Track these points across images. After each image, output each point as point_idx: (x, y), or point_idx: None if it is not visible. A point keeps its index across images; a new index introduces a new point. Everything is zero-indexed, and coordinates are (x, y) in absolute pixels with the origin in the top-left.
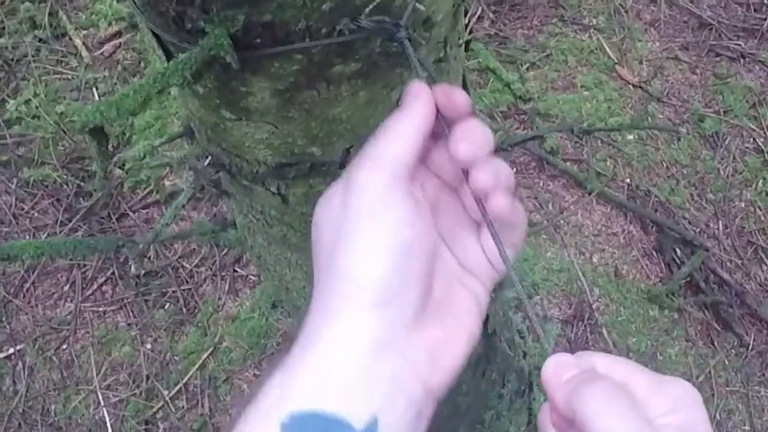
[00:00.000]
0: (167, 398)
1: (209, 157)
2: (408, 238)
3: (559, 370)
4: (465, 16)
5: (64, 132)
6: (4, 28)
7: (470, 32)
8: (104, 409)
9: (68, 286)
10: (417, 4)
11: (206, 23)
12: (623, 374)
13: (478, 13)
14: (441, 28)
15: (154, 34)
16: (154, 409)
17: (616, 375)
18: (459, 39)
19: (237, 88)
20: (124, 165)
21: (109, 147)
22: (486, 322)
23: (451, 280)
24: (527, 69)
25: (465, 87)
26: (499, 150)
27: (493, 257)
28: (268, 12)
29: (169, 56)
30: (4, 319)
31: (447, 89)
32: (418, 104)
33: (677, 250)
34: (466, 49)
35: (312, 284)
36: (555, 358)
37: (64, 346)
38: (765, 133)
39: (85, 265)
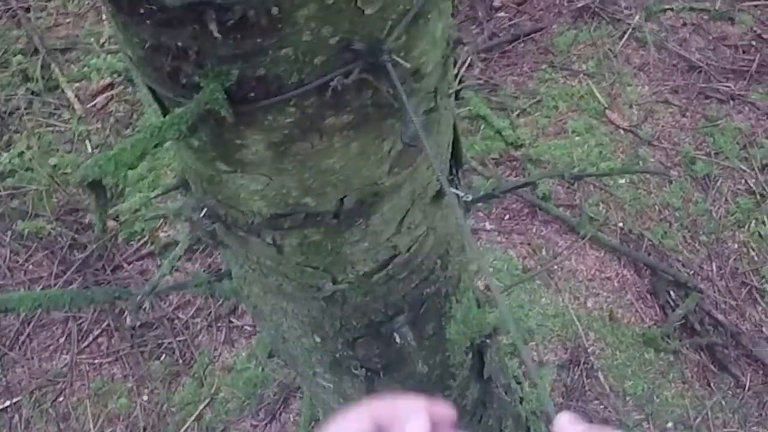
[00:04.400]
0: None
1: (204, 209)
2: None
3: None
4: (454, 65)
5: (58, 184)
6: None
7: (460, 80)
8: None
9: (64, 338)
10: (399, 59)
11: (201, 78)
12: None
13: (468, 61)
14: (431, 78)
15: (150, 89)
16: None
17: None
18: (449, 89)
19: (231, 141)
20: (118, 217)
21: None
22: (482, 368)
23: None
24: (518, 115)
25: (456, 136)
26: (491, 196)
27: None
28: (261, 66)
29: (164, 110)
30: (0, 371)
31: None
32: None
33: (671, 293)
34: (457, 99)
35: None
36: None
37: (61, 399)
38: (756, 173)
39: (80, 318)
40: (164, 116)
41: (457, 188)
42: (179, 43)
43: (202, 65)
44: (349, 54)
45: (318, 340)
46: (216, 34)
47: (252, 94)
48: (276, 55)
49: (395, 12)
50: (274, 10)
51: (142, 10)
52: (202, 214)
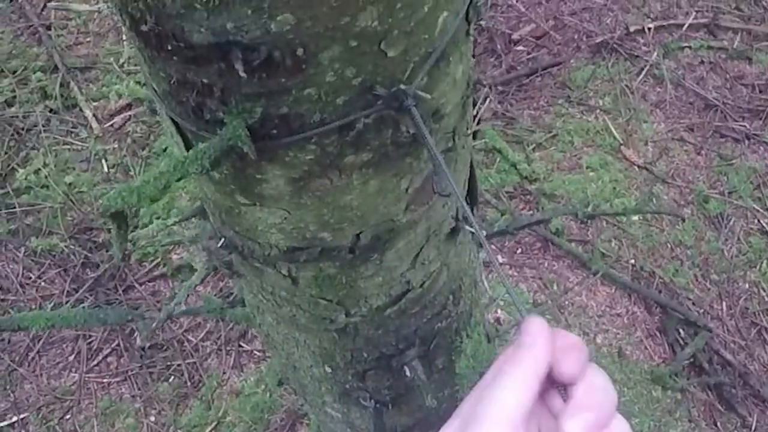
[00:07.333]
0: None
1: (222, 239)
2: None
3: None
4: (473, 105)
5: (73, 202)
6: (15, 97)
7: (477, 113)
8: None
9: (73, 356)
10: (421, 93)
11: (225, 114)
12: None
13: (485, 93)
14: (450, 119)
15: (173, 121)
16: None
17: None
18: (467, 129)
19: (252, 175)
20: (134, 242)
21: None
22: None
23: None
24: (533, 149)
25: (473, 173)
26: (504, 233)
27: None
28: (284, 105)
29: (186, 143)
30: (8, 387)
31: (563, 335)
32: (539, 347)
33: (681, 331)
34: (475, 138)
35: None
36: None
37: (68, 417)
38: None
39: (90, 336)
40: (186, 149)
41: (471, 226)
42: (205, 80)
43: (226, 102)
44: (371, 95)
45: (328, 370)
46: (242, 74)
47: (274, 131)
48: (299, 94)
49: (417, 54)
50: (299, 51)
51: (169, 47)
52: (219, 245)
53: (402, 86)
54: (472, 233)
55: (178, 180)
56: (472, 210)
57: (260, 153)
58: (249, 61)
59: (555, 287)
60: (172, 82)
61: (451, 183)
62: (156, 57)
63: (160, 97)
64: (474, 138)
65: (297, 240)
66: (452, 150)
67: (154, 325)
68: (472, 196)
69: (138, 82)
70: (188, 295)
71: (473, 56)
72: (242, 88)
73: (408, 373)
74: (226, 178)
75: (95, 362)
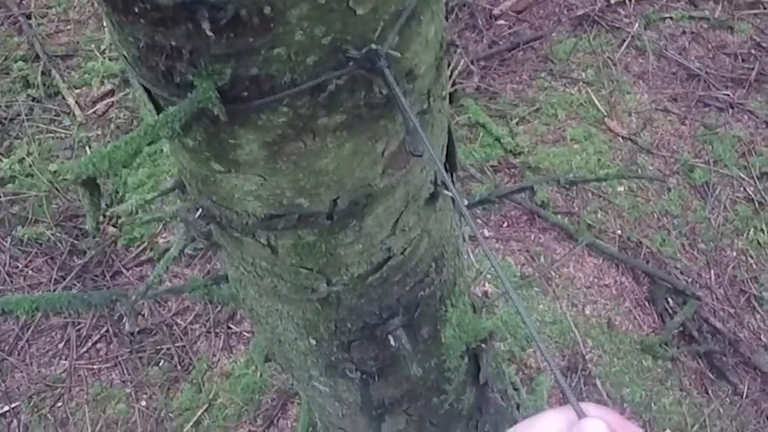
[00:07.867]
0: None
1: (200, 210)
2: None
3: None
4: (449, 68)
5: (58, 190)
6: None
7: (454, 85)
8: None
9: (63, 343)
10: (392, 52)
11: (195, 77)
12: None
13: (467, 69)
14: (424, 80)
15: (145, 89)
16: None
17: None
18: (442, 91)
19: (226, 141)
20: (117, 223)
21: (102, 203)
22: (478, 373)
23: None
24: (517, 123)
25: (450, 139)
26: (487, 201)
27: None
28: (254, 66)
29: (159, 110)
30: None
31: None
32: None
33: (670, 300)
34: (451, 102)
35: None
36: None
37: (59, 404)
38: (755, 182)
39: (79, 323)
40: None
41: (450, 191)
42: (173, 42)
43: (195, 64)
44: (342, 55)
45: (313, 342)
46: (209, 33)
47: (245, 94)
48: (268, 54)
49: (387, 13)
50: (267, 10)
51: (136, 9)
52: (197, 215)
53: (373, 46)
54: (453, 200)
55: (150, 144)
56: (451, 176)
57: (232, 116)
58: (216, 20)
59: (542, 259)
60: (141, 46)
61: (425, 143)
62: (124, 21)
63: (130, 64)
64: (450, 102)
65: (274, 207)
66: (427, 112)
67: (134, 297)
68: (450, 162)
69: (114, 59)
70: (175, 278)
71: (446, 19)
72: (211, 49)
73: (393, 343)
74: (200, 144)
75: (85, 349)
